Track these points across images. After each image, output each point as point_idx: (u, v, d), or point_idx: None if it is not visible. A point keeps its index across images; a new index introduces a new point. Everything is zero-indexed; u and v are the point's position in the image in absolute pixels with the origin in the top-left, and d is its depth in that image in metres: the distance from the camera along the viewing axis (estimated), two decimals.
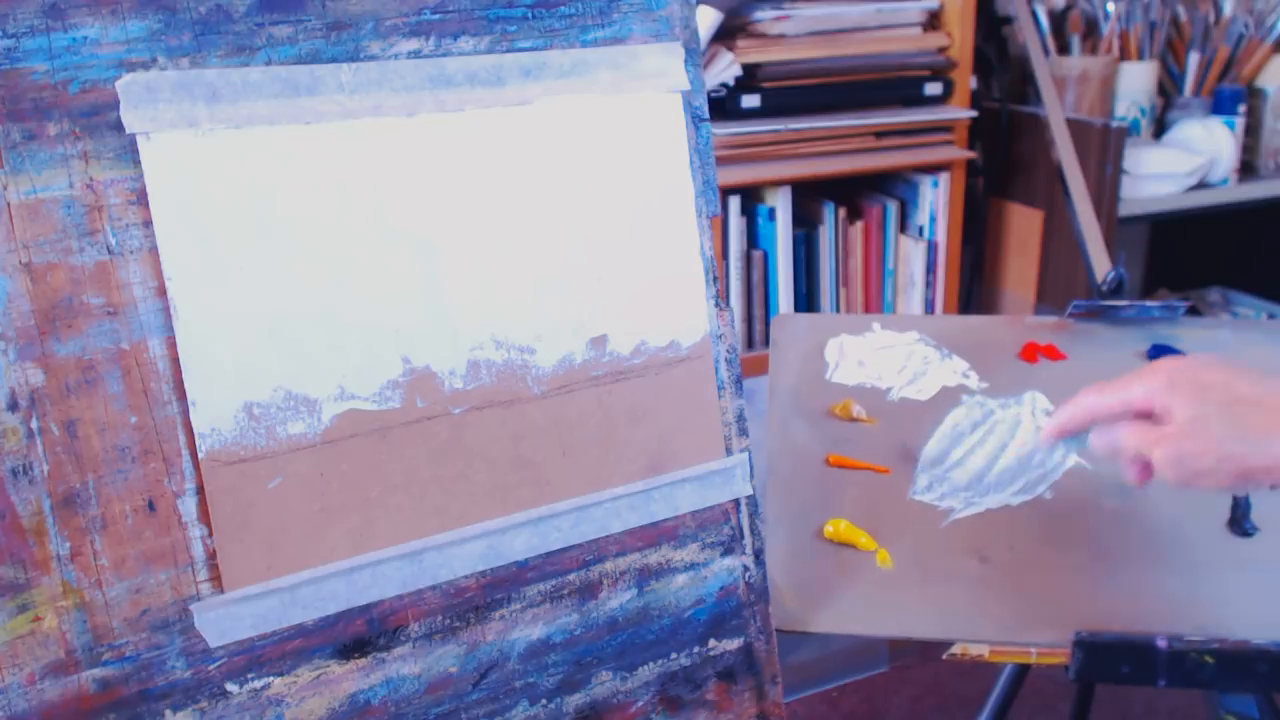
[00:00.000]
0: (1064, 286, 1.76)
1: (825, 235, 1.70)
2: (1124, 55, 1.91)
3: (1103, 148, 1.70)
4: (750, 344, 1.69)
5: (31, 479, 0.47)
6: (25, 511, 0.47)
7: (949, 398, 1.02)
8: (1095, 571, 0.77)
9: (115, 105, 0.48)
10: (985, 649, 0.72)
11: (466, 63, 0.55)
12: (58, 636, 0.47)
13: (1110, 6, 1.89)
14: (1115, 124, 1.71)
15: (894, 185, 1.79)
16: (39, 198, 0.47)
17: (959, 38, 1.68)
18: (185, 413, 0.49)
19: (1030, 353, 1.10)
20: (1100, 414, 0.61)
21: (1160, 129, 1.99)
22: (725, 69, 1.54)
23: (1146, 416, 0.59)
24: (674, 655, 0.63)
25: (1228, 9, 1.95)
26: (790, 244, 1.66)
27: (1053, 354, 1.10)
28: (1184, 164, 1.84)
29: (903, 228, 1.78)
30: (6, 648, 0.47)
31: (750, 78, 1.57)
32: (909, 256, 1.78)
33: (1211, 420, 0.54)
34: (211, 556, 0.50)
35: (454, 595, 0.56)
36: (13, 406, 0.46)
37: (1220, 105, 1.92)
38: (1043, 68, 1.55)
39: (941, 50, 1.68)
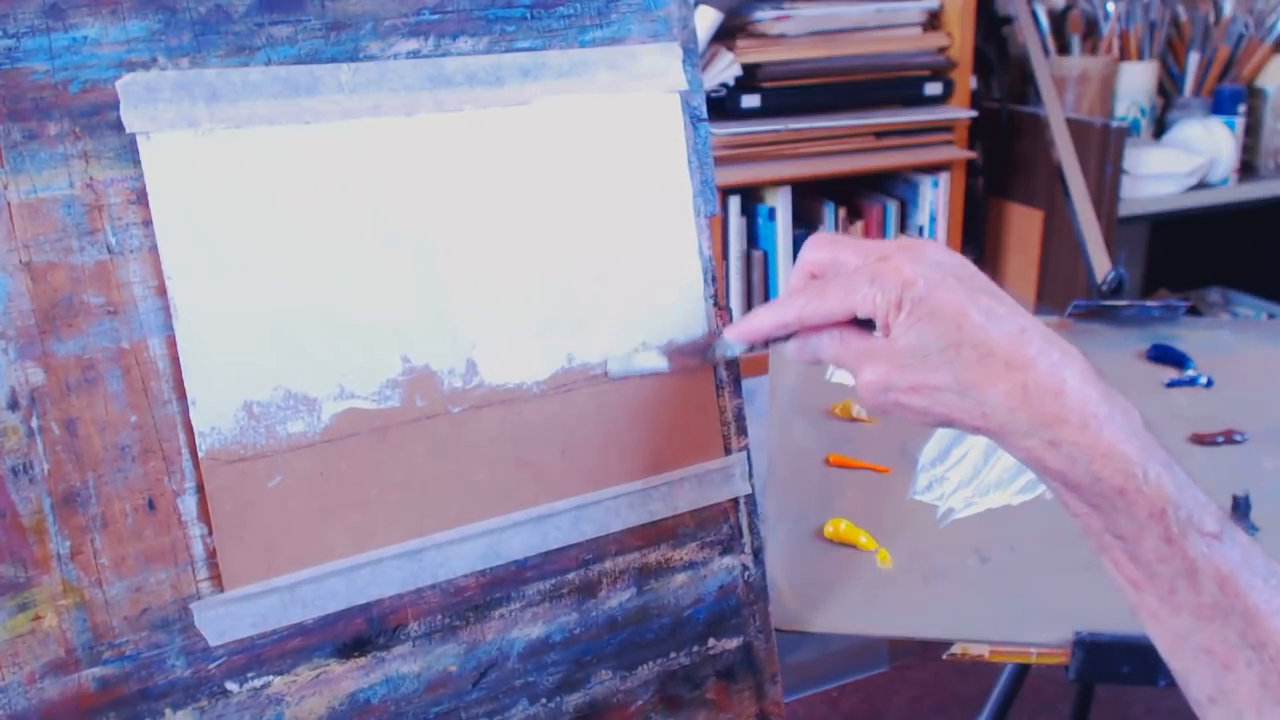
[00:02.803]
0: (1064, 286, 1.76)
1: None
2: (1124, 55, 1.90)
3: (1103, 148, 1.70)
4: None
5: (32, 478, 0.47)
6: (25, 510, 0.47)
7: None
8: (1095, 571, 0.76)
9: (115, 105, 0.48)
10: (985, 649, 0.72)
11: (465, 63, 0.55)
12: (58, 635, 0.48)
13: (1110, 6, 1.89)
14: (1115, 124, 1.71)
15: (894, 185, 1.79)
16: (39, 197, 0.47)
17: (959, 38, 1.67)
18: (185, 412, 0.49)
19: None
20: (816, 322, 0.51)
21: (1160, 129, 1.98)
22: (725, 69, 1.54)
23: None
24: (673, 654, 0.63)
25: (1228, 9, 1.95)
26: (790, 244, 1.66)
27: None
28: (1184, 164, 1.84)
29: (903, 228, 1.78)
30: (7, 646, 0.47)
31: (750, 78, 1.57)
32: None
33: (932, 358, 0.47)
34: (211, 555, 0.50)
35: (453, 594, 0.56)
36: (13, 405, 0.46)
37: (1220, 105, 1.92)
38: (1043, 68, 1.55)
39: (941, 50, 1.68)
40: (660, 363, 0.59)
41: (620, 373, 0.59)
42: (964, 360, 0.46)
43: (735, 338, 0.55)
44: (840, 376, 1.05)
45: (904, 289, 0.47)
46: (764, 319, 0.53)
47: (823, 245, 0.53)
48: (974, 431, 0.48)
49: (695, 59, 0.61)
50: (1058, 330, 0.50)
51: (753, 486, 0.64)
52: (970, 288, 0.48)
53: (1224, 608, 0.44)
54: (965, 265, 0.49)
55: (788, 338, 0.53)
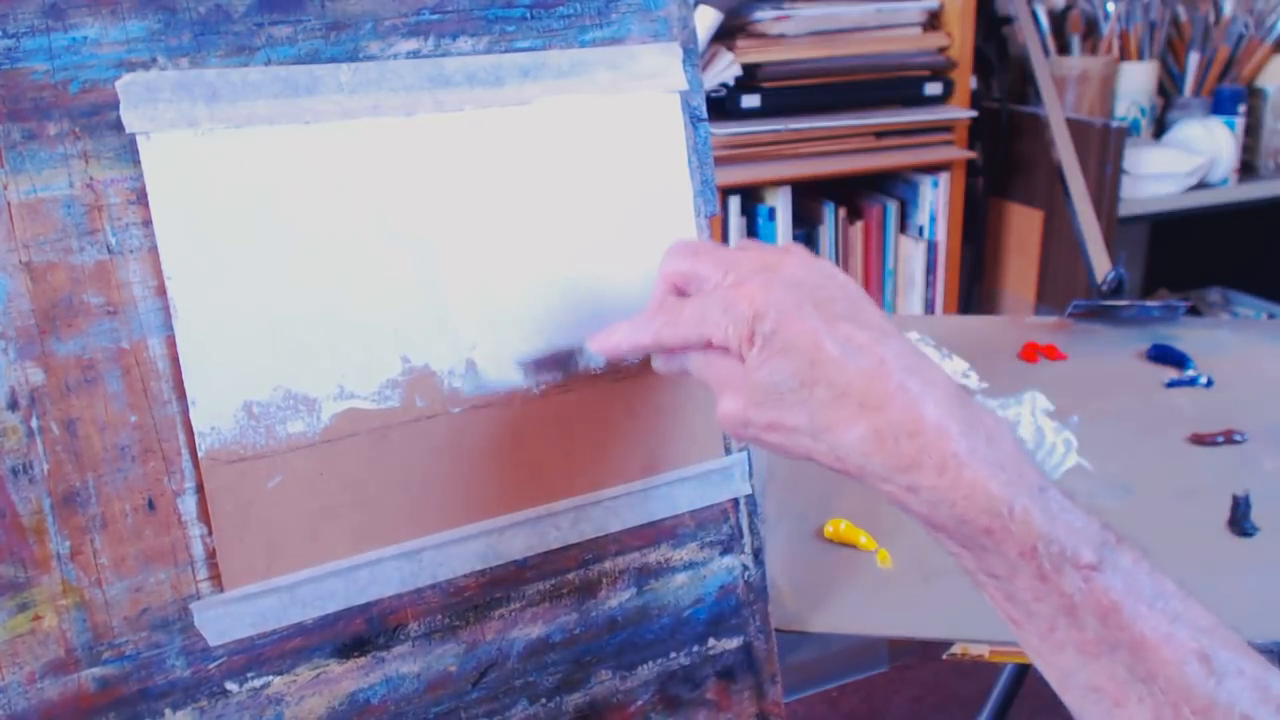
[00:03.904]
0: (1064, 286, 1.76)
1: (825, 235, 1.71)
2: (1124, 55, 1.91)
3: (1103, 148, 1.70)
4: None
5: (31, 478, 0.47)
6: (25, 510, 0.47)
7: None
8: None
9: (115, 105, 0.48)
10: (985, 649, 0.72)
11: (465, 63, 0.55)
12: (57, 635, 0.48)
13: (1110, 6, 1.89)
14: (1115, 124, 1.71)
15: (894, 185, 1.79)
16: (39, 197, 0.47)
17: (959, 38, 1.68)
18: (185, 412, 0.49)
19: (1030, 353, 1.10)
20: (672, 346, 0.49)
21: (1160, 129, 1.99)
22: (725, 69, 1.54)
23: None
24: (673, 654, 0.63)
25: (1228, 9, 1.95)
26: None
27: (1053, 354, 1.10)
28: (1184, 164, 1.84)
29: (903, 228, 1.78)
30: (6, 646, 0.47)
31: (750, 78, 1.57)
32: (909, 256, 1.78)
33: (786, 397, 0.44)
34: (211, 555, 0.50)
35: (453, 594, 0.56)
36: (13, 405, 0.46)
37: (1220, 105, 1.92)
38: (1043, 68, 1.55)
39: (941, 50, 1.69)
40: (517, 377, 0.56)
41: (472, 391, 0.55)
42: (817, 401, 0.44)
43: (595, 350, 0.54)
44: None
45: (755, 321, 0.44)
46: (621, 338, 0.52)
47: (682, 256, 0.50)
48: (834, 472, 0.45)
49: (695, 59, 0.61)
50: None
51: (753, 486, 0.64)
52: (828, 315, 0.44)
53: (1109, 641, 0.41)
54: (828, 281, 0.46)
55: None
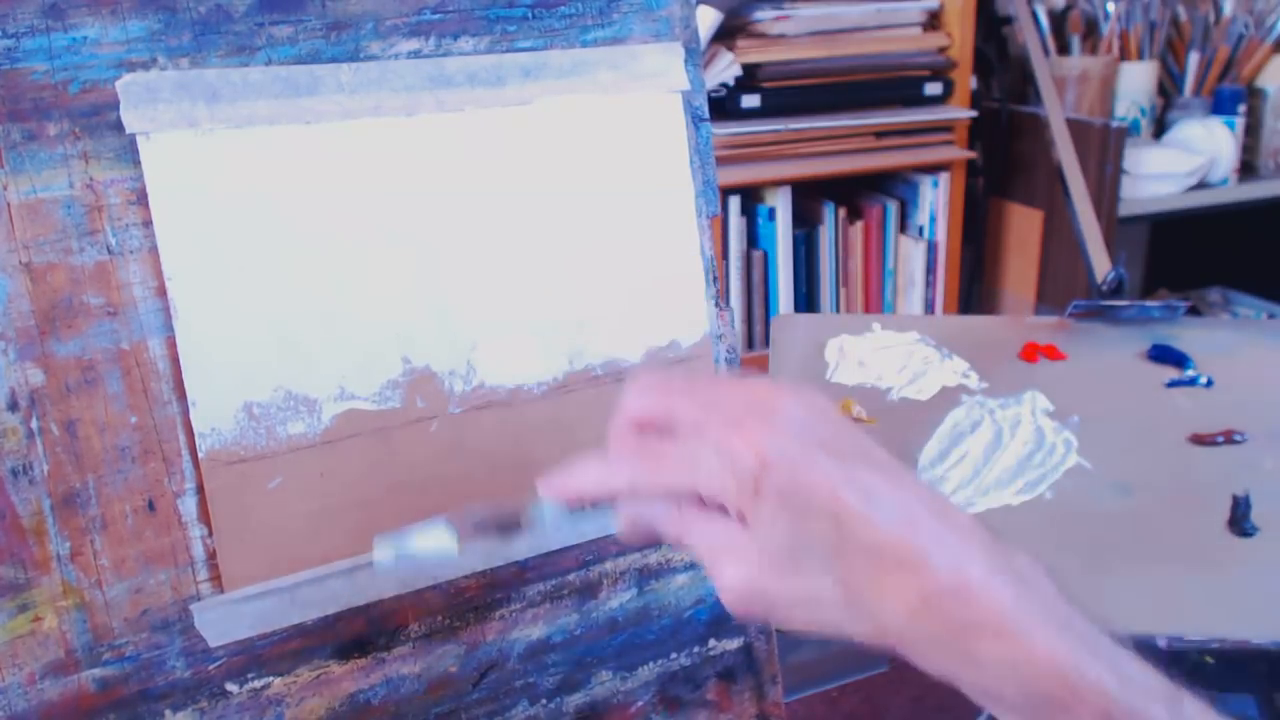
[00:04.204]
0: (1064, 286, 1.76)
1: (825, 235, 1.70)
2: (1124, 55, 1.91)
3: (1103, 148, 1.70)
4: (750, 344, 1.69)
5: (31, 479, 0.47)
6: (25, 511, 0.47)
7: (949, 398, 1.02)
8: (1095, 571, 0.77)
9: (115, 105, 0.48)
10: None
11: (466, 63, 0.55)
12: (58, 636, 0.48)
13: (1110, 6, 1.89)
14: (1115, 124, 1.71)
15: (894, 185, 1.79)
16: (39, 198, 0.47)
17: (959, 38, 1.68)
18: (185, 413, 0.49)
19: (1030, 353, 1.10)
20: (648, 493, 0.41)
21: (1160, 129, 1.99)
22: (725, 69, 1.54)
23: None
24: (674, 655, 0.63)
25: (1228, 9, 1.95)
26: (790, 244, 1.66)
27: (1053, 354, 1.10)
28: (1184, 164, 1.84)
29: (903, 228, 1.78)
30: (6, 647, 0.47)
31: (750, 78, 1.57)
32: (909, 256, 1.78)
33: (806, 562, 0.38)
34: (211, 556, 0.50)
35: (454, 595, 0.56)
36: (13, 406, 0.46)
37: (1220, 105, 1.92)
38: (1043, 68, 1.55)
39: (941, 50, 1.68)
40: (448, 543, 0.46)
41: (388, 563, 0.46)
42: (848, 564, 0.38)
43: (552, 494, 0.44)
44: (840, 376, 1.05)
45: (762, 472, 0.37)
46: (587, 478, 0.43)
47: (651, 393, 0.42)
48: (868, 646, 0.39)
49: (697, 59, 0.61)
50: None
51: None
52: (842, 458, 0.38)
53: None
54: (828, 421, 0.40)
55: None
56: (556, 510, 0.44)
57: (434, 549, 0.46)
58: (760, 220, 1.65)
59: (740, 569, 0.39)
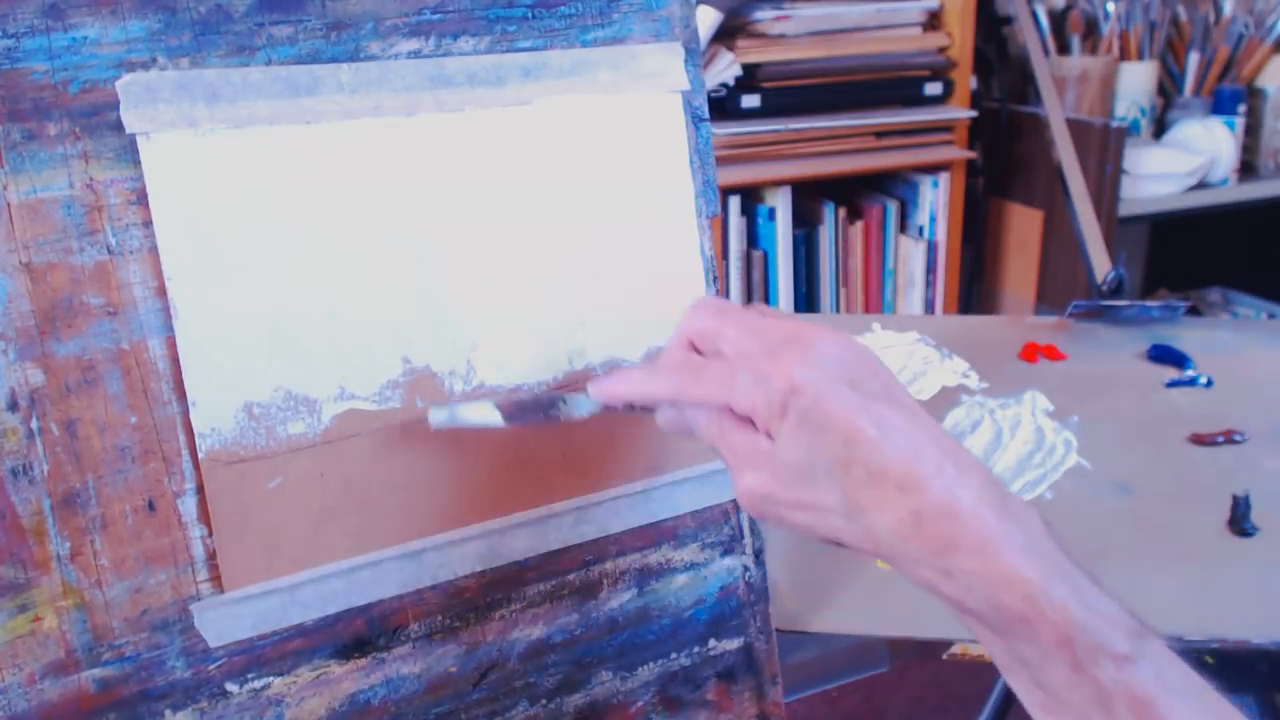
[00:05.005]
0: (1064, 286, 1.76)
1: (825, 235, 1.71)
2: (1124, 55, 1.91)
3: (1103, 148, 1.70)
4: None
5: (31, 479, 0.47)
6: (25, 511, 0.47)
7: (949, 398, 1.02)
8: (1095, 571, 0.77)
9: (115, 105, 0.48)
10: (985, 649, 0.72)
11: (466, 63, 0.55)
12: (58, 636, 0.48)
13: (1110, 6, 1.89)
14: (1115, 124, 1.71)
15: (894, 185, 1.79)
16: (39, 198, 0.47)
17: (959, 38, 1.68)
18: (185, 413, 0.49)
19: (1030, 353, 1.10)
20: (688, 404, 0.48)
21: (1160, 129, 1.99)
22: (725, 69, 1.54)
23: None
24: (674, 655, 0.63)
25: (1228, 9, 1.95)
26: (790, 244, 1.66)
27: (1053, 354, 1.10)
28: (1184, 164, 1.84)
29: (903, 228, 1.78)
30: (6, 647, 0.47)
31: (750, 78, 1.57)
32: (909, 256, 1.78)
33: (819, 477, 0.43)
34: (211, 556, 0.50)
35: (454, 595, 0.56)
36: (13, 406, 0.46)
37: (1220, 105, 1.92)
38: (1043, 68, 1.55)
39: (941, 50, 1.69)
40: (493, 416, 0.53)
41: (443, 423, 0.53)
42: (853, 481, 0.42)
43: (597, 395, 0.50)
44: None
45: (790, 395, 0.43)
46: (632, 385, 0.49)
47: (709, 315, 0.48)
48: (861, 552, 0.44)
49: (697, 59, 0.61)
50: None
51: None
52: (864, 393, 0.43)
53: None
54: (863, 361, 0.45)
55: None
56: (593, 406, 0.51)
57: (481, 418, 0.53)
58: (760, 220, 1.65)
59: (759, 476, 0.45)
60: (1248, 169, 1.95)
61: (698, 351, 0.49)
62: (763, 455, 0.44)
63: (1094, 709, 0.41)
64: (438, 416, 0.53)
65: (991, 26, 1.83)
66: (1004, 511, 0.42)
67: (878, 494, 0.42)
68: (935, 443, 0.43)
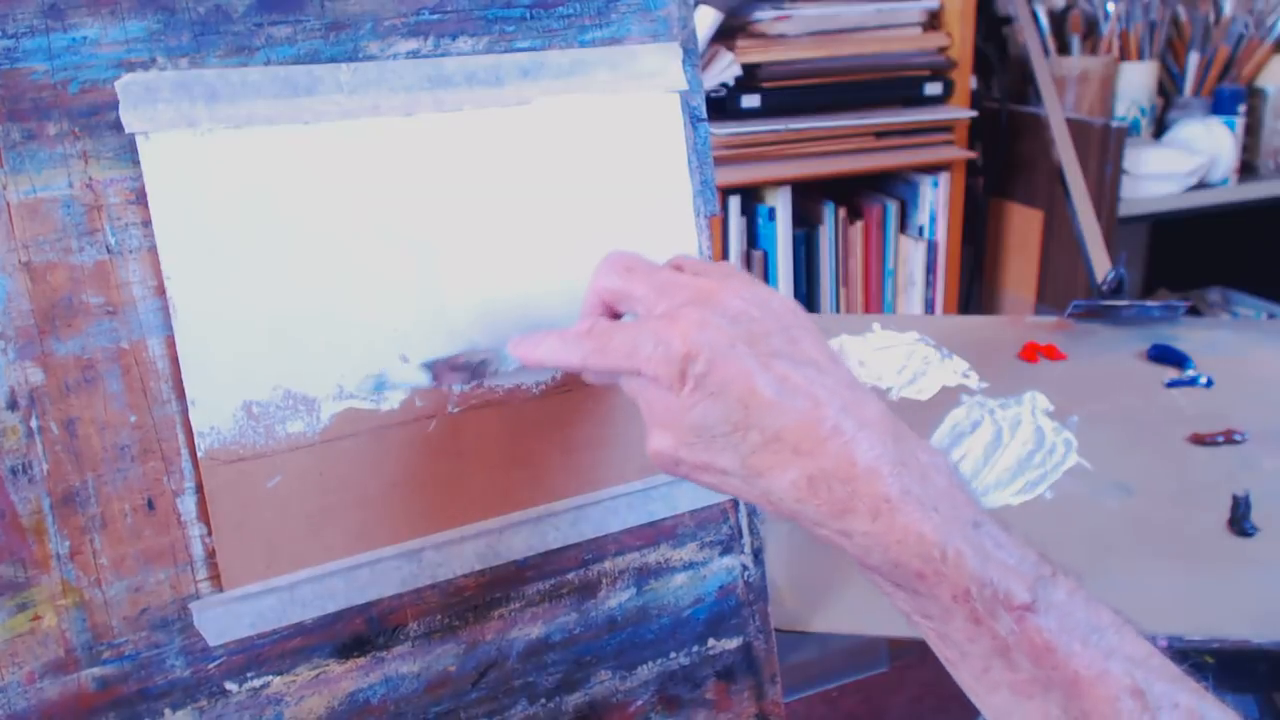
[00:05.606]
0: (1064, 286, 1.76)
1: (825, 235, 1.71)
2: (1124, 55, 1.91)
3: (1103, 148, 1.70)
4: None
5: (31, 478, 0.47)
6: (25, 510, 0.47)
7: (949, 398, 1.02)
8: (1095, 572, 0.77)
9: (115, 105, 0.48)
10: None
11: (465, 63, 0.55)
12: (57, 635, 0.48)
13: (1110, 6, 1.89)
14: (1115, 124, 1.71)
15: (894, 185, 1.79)
16: (39, 197, 0.47)
17: (959, 38, 1.68)
18: (184, 412, 0.49)
19: (1030, 353, 1.10)
20: (594, 370, 0.49)
21: (1160, 129, 1.99)
22: (725, 69, 1.54)
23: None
24: (673, 654, 0.63)
25: (1228, 9, 1.95)
26: (790, 244, 1.66)
27: (1053, 354, 1.10)
28: (1184, 164, 1.84)
29: (903, 228, 1.78)
30: (6, 646, 0.47)
31: (750, 78, 1.57)
32: (909, 256, 1.78)
33: (717, 440, 0.43)
34: (210, 555, 0.50)
35: (453, 594, 0.56)
36: (12, 405, 0.46)
37: (1220, 105, 1.92)
38: (1043, 68, 1.55)
39: (941, 50, 1.69)
40: (422, 378, 0.54)
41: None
42: (749, 445, 0.43)
43: (515, 355, 0.52)
44: None
45: (686, 361, 0.43)
46: (547, 351, 0.50)
47: (615, 273, 0.48)
48: (764, 508, 0.45)
49: (695, 59, 0.61)
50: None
51: None
52: (763, 353, 0.43)
53: (1042, 682, 0.41)
54: (764, 313, 0.45)
55: None
56: (518, 365, 0.52)
57: (411, 381, 0.54)
58: (760, 220, 1.65)
59: (666, 437, 0.45)
60: (1248, 169, 1.95)
61: (613, 313, 0.49)
62: (671, 415, 0.44)
63: (994, 659, 0.41)
64: (365, 386, 0.53)
65: (991, 26, 1.83)
66: (902, 467, 0.42)
67: (773, 457, 0.42)
68: (834, 399, 0.43)
